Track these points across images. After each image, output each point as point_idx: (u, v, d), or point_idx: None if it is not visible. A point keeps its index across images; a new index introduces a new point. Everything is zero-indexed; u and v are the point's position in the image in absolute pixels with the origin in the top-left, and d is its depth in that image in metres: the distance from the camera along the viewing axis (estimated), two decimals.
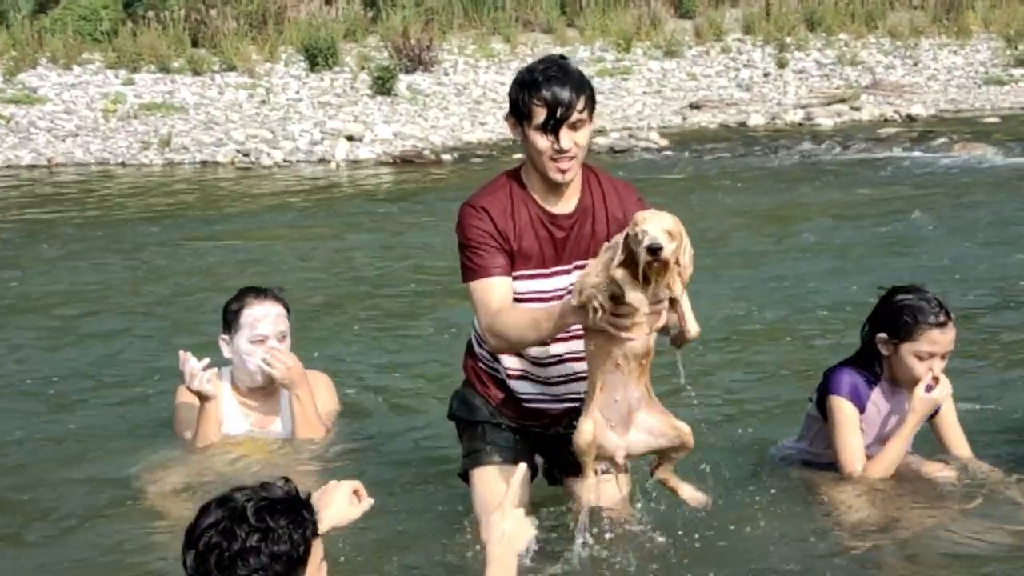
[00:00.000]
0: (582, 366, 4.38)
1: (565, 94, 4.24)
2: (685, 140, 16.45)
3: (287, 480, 3.08)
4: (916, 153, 14.98)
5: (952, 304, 7.95)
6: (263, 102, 18.61)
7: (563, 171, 4.30)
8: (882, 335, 4.96)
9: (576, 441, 4.22)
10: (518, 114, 4.32)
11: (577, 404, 4.40)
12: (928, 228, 10.42)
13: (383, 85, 19.05)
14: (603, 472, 4.39)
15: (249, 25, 21.94)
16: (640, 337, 4.05)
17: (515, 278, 4.35)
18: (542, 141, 4.27)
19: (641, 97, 19.52)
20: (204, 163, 15.43)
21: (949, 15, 24.20)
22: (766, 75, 21.08)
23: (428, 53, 20.77)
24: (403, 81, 19.52)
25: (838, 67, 21.49)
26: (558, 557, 4.35)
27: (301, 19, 22.66)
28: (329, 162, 15.36)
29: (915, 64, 21.88)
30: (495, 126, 17.28)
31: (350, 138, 16.14)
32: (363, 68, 20.34)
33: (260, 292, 5.57)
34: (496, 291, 4.30)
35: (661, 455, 4.31)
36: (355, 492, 3.63)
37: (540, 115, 4.25)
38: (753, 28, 23.47)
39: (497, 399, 4.59)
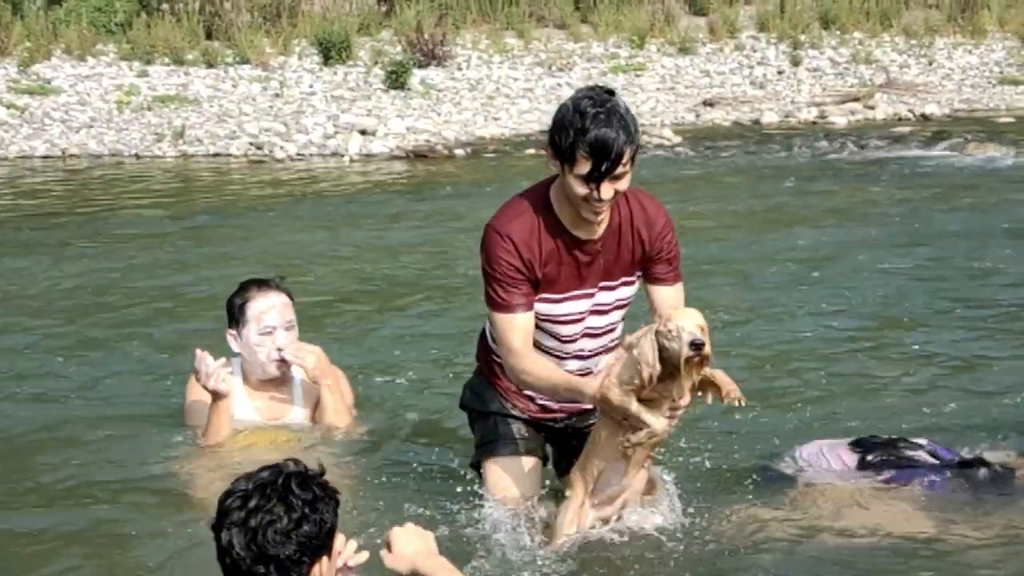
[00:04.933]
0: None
1: (612, 147, 4.04)
2: (698, 137, 16.42)
3: (296, 461, 3.06)
4: (930, 152, 14.92)
5: (969, 301, 8.04)
6: (277, 95, 18.62)
7: (597, 214, 4.20)
8: None
9: None
10: (560, 155, 4.14)
11: (585, 408, 4.44)
12: (941, 228, 10.39)
13: (396, 79, 19.05)
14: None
15: (263, 18, 21.95)
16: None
17: (537, 301, 4.32)
18: (582, 189, 4.13)
19: (655, 94, 19.49)
20: (217, 155, 15.44)
21: (964, 14, 24.12)
22: (780, 73, 21.03)
23: (442, 48, 20.75)
24: (416, 76, 19.51)
25: (852, 65, 21.43)
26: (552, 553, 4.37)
27: (315, 13, 22.66)
28: (342, 156, 15.37)
29: (930, 63, 21.81)
30: (508, 121, 17.27)
31: (363, 132, 16.14)
32: (377, 62, 20.34)
33: (262, 284, 5.56)
34: (518, 329, 4.28)
35: None
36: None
37: (584, 166, 4.09)
38: (767, 26, 23.40)
39: (508, 390, 4.60)
